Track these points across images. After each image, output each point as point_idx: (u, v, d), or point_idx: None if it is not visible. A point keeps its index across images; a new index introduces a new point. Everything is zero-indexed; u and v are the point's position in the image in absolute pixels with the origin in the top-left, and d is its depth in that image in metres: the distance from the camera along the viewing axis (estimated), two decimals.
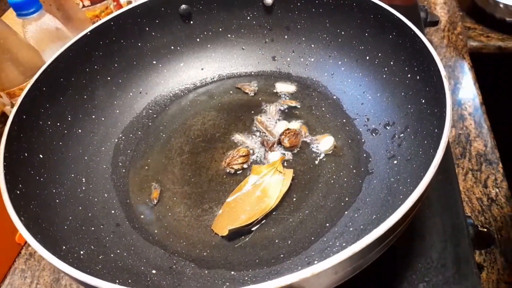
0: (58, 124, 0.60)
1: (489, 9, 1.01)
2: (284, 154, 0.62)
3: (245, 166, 0.61)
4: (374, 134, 0.61)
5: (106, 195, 0.60)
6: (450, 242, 0.55)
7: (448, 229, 0.57)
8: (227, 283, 0.49)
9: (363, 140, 0.61)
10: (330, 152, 0.61)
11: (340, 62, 0.69)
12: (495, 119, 0.79)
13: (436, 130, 0.47)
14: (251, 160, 0.62)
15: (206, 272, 0.51)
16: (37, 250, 0.40)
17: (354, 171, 0.58)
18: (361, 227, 0.51)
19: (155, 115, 0.71)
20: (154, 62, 0.74)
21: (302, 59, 0.73)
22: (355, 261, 0.38)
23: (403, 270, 0.54)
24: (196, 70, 0.76)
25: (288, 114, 0.68)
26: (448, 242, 0.55)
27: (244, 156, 0.61)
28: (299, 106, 0.68)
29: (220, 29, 0.75)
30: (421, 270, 0.53)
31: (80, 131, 0.64)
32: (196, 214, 0.57)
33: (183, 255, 0.53)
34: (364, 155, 0.60)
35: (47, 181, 0.54)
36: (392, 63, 0.60)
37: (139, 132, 0.69)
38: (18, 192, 0.47)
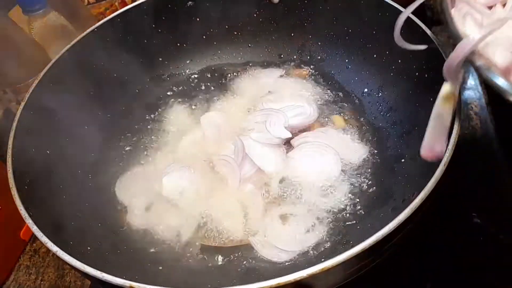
0: (65, 120, 0.60)
1: None
2: None
3: None
4: (379, 133, 0.61)
5: (112, 191, 0.60)
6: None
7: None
8: (234, 281, 0.49)
9: (369, 138, 0.61)
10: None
11: (347, 60, 0.69)
12: (500, 119, 0.78)
13: None
14: None
15: (213, 269, 0.51)
16: (45, 245, 0.40)
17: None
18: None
19: (161, 112, 0.71)
20: (160, 59, 0.74)
21: (308, 57, 0.73)
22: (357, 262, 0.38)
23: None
24: (202, 66, 0.76)
25: None
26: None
27: None
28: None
29: (226, 26, 0.75)
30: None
31: (86, 127, 0.64)
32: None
33: (189, 250, 0.53)
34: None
35: (54, 177, 0.54)
36: (400, 61, 0.60)
37: (145, 129, 0.69)
38: (26, 187, 0.48)
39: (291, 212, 0.54)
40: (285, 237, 0.51)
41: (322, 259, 0.44)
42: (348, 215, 0.54)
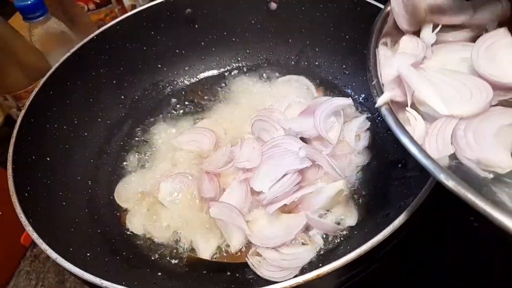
0: (65, 127, 0.61)
1: None
2: None
3: None
4: (377, 139, 0.62)
5: (111, 197, 0.61)
6: None
7: None
8: (232, 286, 0.49)
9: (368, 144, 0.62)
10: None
11: (344, 66, 0.70)
12: None
13: None
14: None
15: (211, 274, 0.51)
16: (45, 252, 0.41)
17: None
18: None
19: (159, 119, 0.72)
20: (159, 65, 0.75)
21: (306, 63, 0.74)
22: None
23: None
24: (201, 73, 0.77)
25: None
26: None
27: None
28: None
29: (225, 33, 0.75)
30: None
31: (86, 134, 0.65)
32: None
33: (186, 257, 0.53)
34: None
35: (54, 184, 0.55)
36: None
37: (144, 136, 0.69)
38: (26, 194, 0.48)
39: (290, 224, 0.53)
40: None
41: (320, 265, 0.44)
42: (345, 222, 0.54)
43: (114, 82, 0.70)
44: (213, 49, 0.76)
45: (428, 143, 0.35)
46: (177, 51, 0.75)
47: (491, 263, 0.54)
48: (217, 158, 0.58)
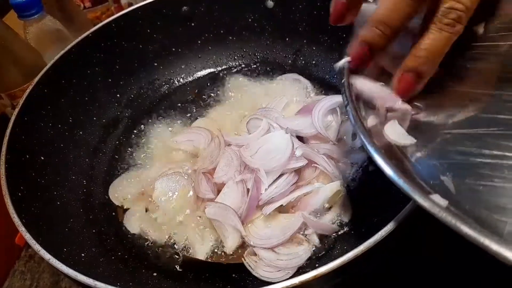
0: (59, 126, 0.61)
1: None
2: None
3: None
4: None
5: (107, 197, 0.60)
6: None
7: None
8: (228, 286, 0.49)
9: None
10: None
11: None
12: None
13: None
14: None
15: (207, 275, 0.51)
16: (38, 252, 0.40)
17: None
18: None
19: (155, 118, 0.71)
20: (156, 64, 0.74)
21: (303, 62, 0.74)
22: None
23: None
24: (197, 72, 0.77)
25: None
26: None
27: None
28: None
29: (221, 31, 0.75)
30: None
31: (81, 133, 0.64)
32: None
33: (181, 257, 0.53)
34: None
35: (48, 183, 0.54)
36: None
37: (139, 135, 0.69)
38: (19, 194, 0.48)
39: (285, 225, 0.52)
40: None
41: (317, 265, 0.44)
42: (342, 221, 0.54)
43: (110, 80, 0.69)
44: (210, 48, 0.76)
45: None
46: (174, 49, 0.74)
47: (490, 266, 0.53)
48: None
